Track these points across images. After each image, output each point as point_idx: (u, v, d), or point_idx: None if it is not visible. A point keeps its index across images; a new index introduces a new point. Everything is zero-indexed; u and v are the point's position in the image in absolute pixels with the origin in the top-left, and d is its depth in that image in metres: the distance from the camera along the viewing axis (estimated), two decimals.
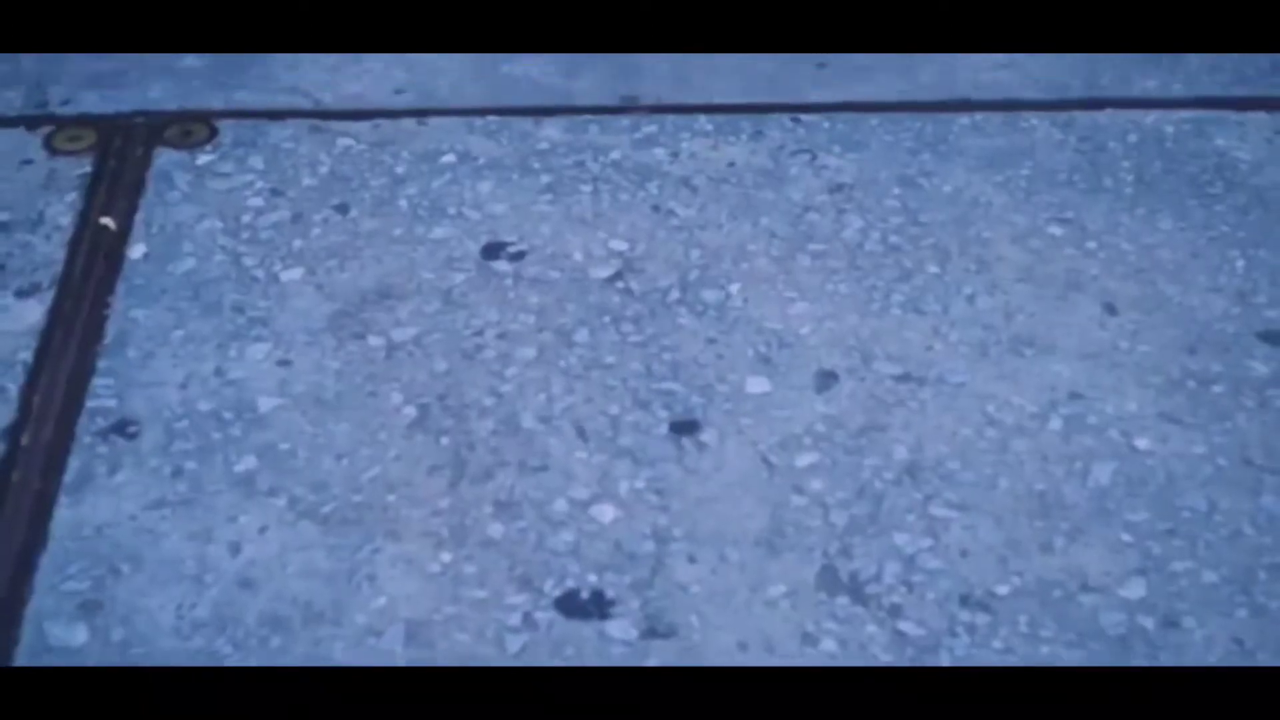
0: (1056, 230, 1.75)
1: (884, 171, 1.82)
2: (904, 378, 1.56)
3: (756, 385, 1.54)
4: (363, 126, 1.86)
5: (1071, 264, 1.70)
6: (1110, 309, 1.64)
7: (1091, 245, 1.73)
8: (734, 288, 1.65)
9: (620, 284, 1.66)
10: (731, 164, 1.83)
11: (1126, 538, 1.41)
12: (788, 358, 1.57)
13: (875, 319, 1.62)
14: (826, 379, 1.55)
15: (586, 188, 1.78)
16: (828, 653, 1.30)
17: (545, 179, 1.79)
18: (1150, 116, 1.93)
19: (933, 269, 1.69)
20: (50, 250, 1.68)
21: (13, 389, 1.51)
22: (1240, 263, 1.71)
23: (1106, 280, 1.68)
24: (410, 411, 1.50)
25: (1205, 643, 1.32)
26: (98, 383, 1.52)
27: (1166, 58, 2.04)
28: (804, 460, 1.47)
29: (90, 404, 1.50)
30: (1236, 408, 1.54)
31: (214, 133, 1.84)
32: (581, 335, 1.59)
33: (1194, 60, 2.04)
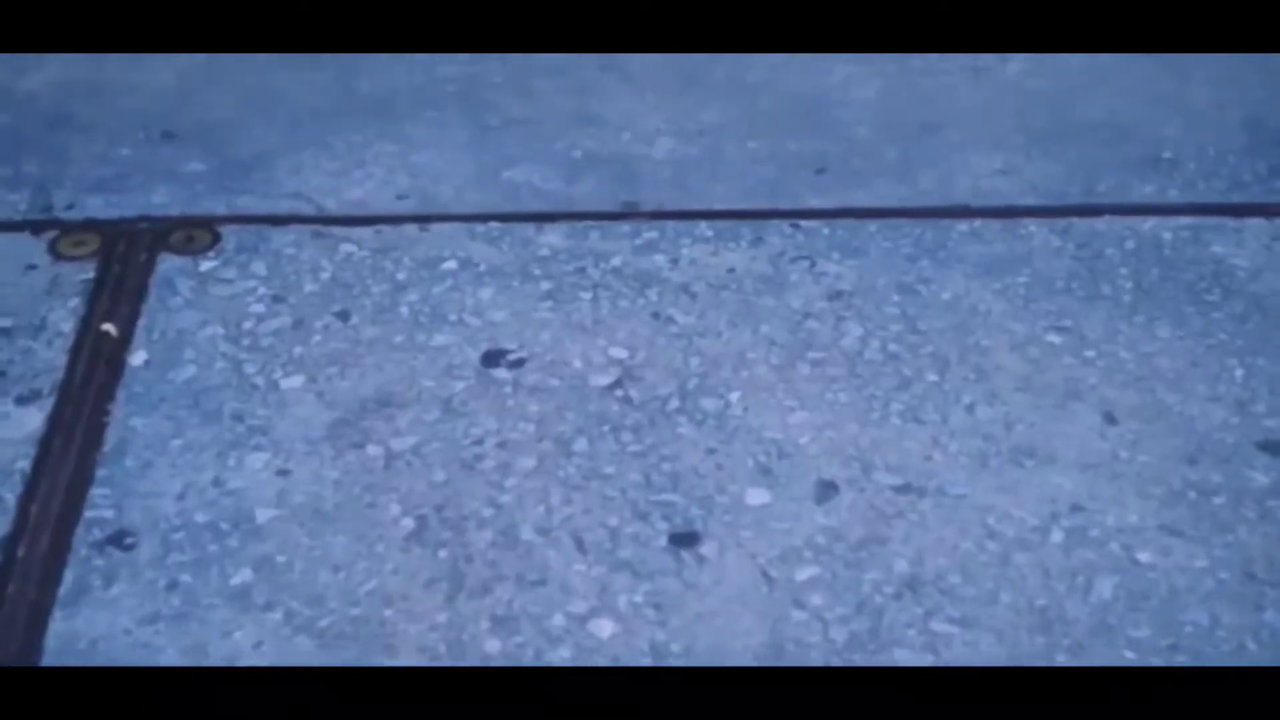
0: (1055, 338, 1.75)
1: (883, 278, 1.83)
2: (904, 489, 1.55)
3: (756, 496, 1.53)
4: (365, 232, 1.88)
5: (1070, 373, 1.70)
6: (1110, 418, 1.64)
7: (1090, 354, 1.73)
8: (734, 396, 1.65)
9: (620, 392, 1.66)
10: (731, 270, 1.84)
11: (1129, 655, 1.39)
12: (787, 468, 1.57)
13: (875, 428, 1.62)
14: (826, 490, 1.55)
15: (587, 294, 1.79)
16: None
17: (546, 285, 1.80)
18: (1148, 223, 1.95)
19: (932, 377, 1.69)
20: (52, 356, 1.68)
21: (10, 499, 1.51)
22: (1239, 371, 1.72)
23: (1106, 389, 1.68)
24: (408, 523, 1.50)
25: None
26: (96, 492, 1.52)
27: (1164, 163, 2.06)
28: (804, 574, 1.46)
29: (88, 514, 1.50)
30: (1238, 520, 1.53)
31: (217, 238, 1.85)
32: (581, 444, 1.59)
33: (1191, 165, 2.05)
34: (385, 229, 1.88)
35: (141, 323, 1.72)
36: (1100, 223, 1.95)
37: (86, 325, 1.72)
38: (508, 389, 1.65)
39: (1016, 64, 2.26)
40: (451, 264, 1.83)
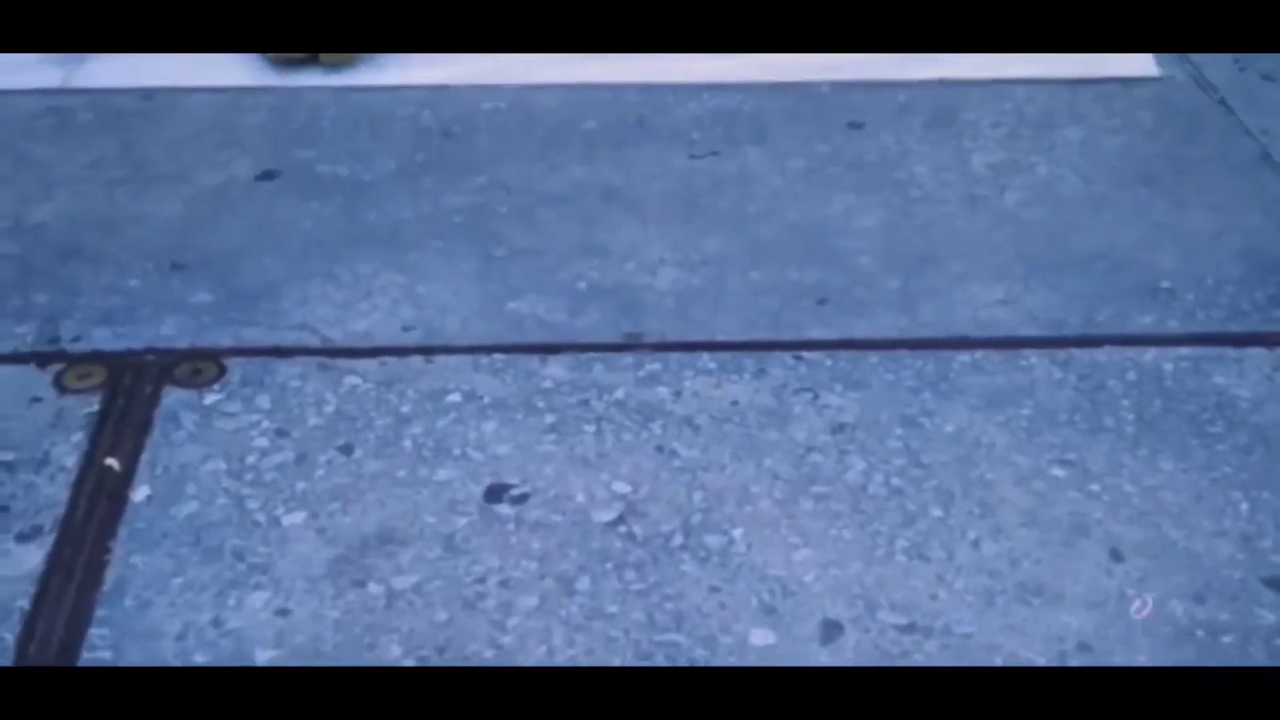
0: (1059, 472, 1.75)
1: (886, 411, 1.83)
2: (909, 628, 1.54)
3: (760, 637, 1.52)
4: (370, 364, 1.88)
5: (1075, 507, 1.70)
6: (1116, 555, 1.63)
7: (1095, 488, 1.73)
8: (737, 533, 1.65)
9: (623, 528, 1.65)
10: (734, 403, 1.84)
11: None
12: (792, 607, 1.56)
13: (879, 566, 1.61)
14: (831, 630, 1.53)
15: (590, 428, 1.79)
16: None
17: (549, 419, 1.80)
18: (1149, 354, 1.95)
19: (936, 513, 1.68)
20: (54, 492, 1.68)
21: (9, 639, 1.50)
22: (1244, 505, 1.71)
23: (1111, 524, 1.68)
24: (409, 665, 1.48)
25: None
26: (94, 633, 1.50)
27: (1162, 293, 2.07)
28: None
29: (86, 655, 1.48)
30: (1246, 659, 1.51)
31: (223, 371, 1.86)
32: (583, 583, 1.58)
33: (1189, 295, 2.07)
34: (390, 361, 1.89)
35: (145, 457, 1.73)
36: (1101, 353, 1.95)
37: (90, 460, 1.72)
38: (510, 525, 1.65)
39: (1014, 194, 2.29)
40: (456, 397, 1.83)
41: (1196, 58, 2.68)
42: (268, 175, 2.28)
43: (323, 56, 2.53)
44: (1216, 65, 2.66)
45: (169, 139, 2.36)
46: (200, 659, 1.48)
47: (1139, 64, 2.65)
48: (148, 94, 2.48)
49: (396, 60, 2.56)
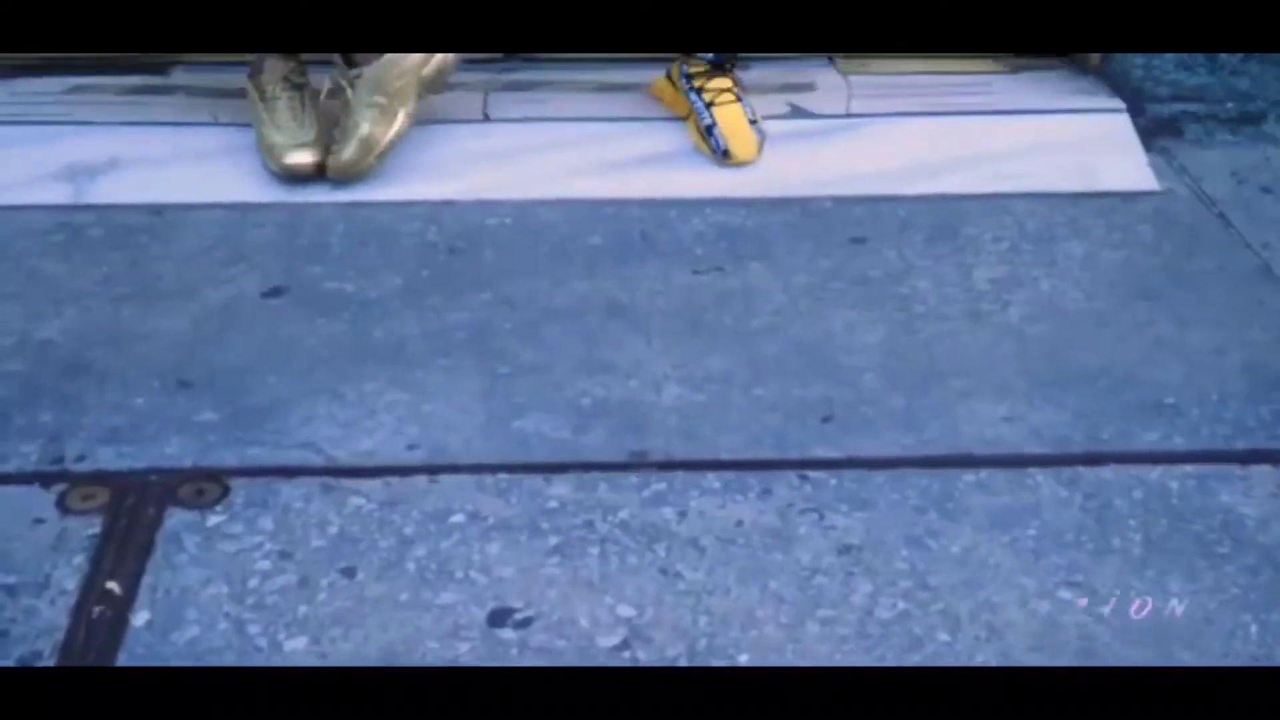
0: (1067, 594, 1.73)
1: (891, 532, 1.82)
2: None
3: None
4: (374, 484, 1.88)
5: (1084, 631, 1.68)
6: None
7: (1103, 610, 1.71)
8: (743, 658, 1.63)
9: (627, 653, 1.64)
10: (739, 523, 1.83)
11: None
12: None
13: None
14: None
15: (594, 549, 1.78)
16: None
17: (554, 540, 1.80)
18: (1154, 472, 1.95)
19: (943, 637, 1.67)
20: (54, 616, 1.67)
21: None
22: (1254, 628, 1.69)
23: (1119, 647, 1.66)
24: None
25: None
26: None
27: (1167, 409, 2.07)
28: None
29: None
30: None
31: (226, 491, 1.86)
32: None
33: (1194, 411, 2.07)
34: (394, 481, 1.89)
35: (146, 580, 1.72)
36: (1106, 471, 1.95)
37: (91, 583, 1.71)
38: (514, 650, 1.63)
39: (1016, 309, 2.30)
40: (459, 517, 1.83)
41: (1196, 171, 2.71)
42: (275, 291, 2.30)
43: (330, 171, 2.56)
44: (1216, 179, 2.69)
45: (177, 255, 2.38)
46: None
47: (1138, 177, 2.68)
48: (157, 210, 2.51)
49: (403, 175, 2.59)
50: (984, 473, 1.93)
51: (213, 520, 1.81)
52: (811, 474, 1.92)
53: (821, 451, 1.97)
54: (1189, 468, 1.96)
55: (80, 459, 1.93)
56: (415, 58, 2.52)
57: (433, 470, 1.91)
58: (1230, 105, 2.81)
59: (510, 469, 1.92)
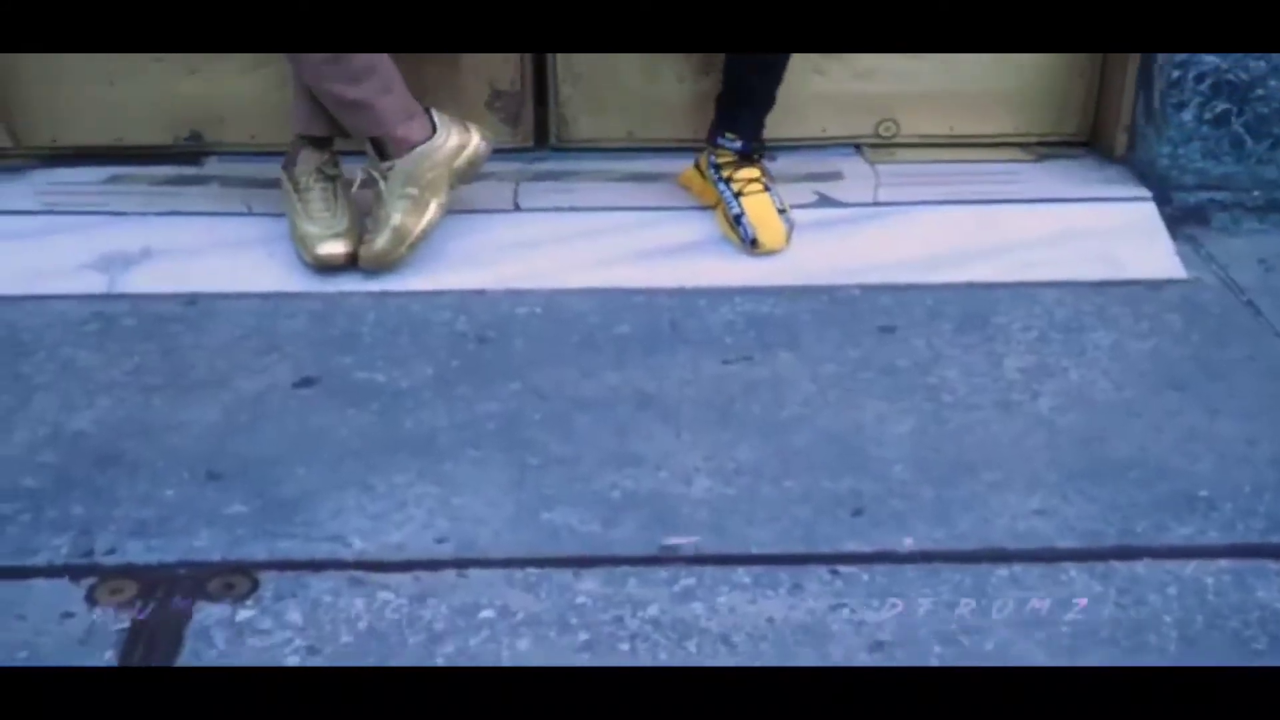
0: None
1: (924, 628, 1.81)
2: None
3: None
4: (404, 578, 1.88)
5: None
6: None
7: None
8: None
9: None
10: (770, 620, 1.82)
11: None
12: None
13: None
14: None
15: (624, 646, 1.77)
16: None
17: (583, 636, 1.79)
18: (1189, 567, 1.93)
19: None
20: None
21: None
22: None
23: None
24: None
25: None
26: None
27: (1200, 502, 2.05)
28: None
29: None
30: None
31: (255, 585, 1.85)
32: None
33: (1228, 505, 2.05)
34: (424, 575, 1.89)
35: None
36: (1140, 566, 1.93)
37: None
38: None
39: (1046, 399, 2.29)
40: (489, 613, 1.82)
41: (1223, 258, 2.71)
42: (306, 382, 2.31)
43: (362, 261, 2.58)
44: (1244, 267, 2.69)
45: (210, 345, 2.40)
46: None
47: (1166, 265, 2.68)
48: (190, 299, 2.53)
49: (434, 264, 2.61)
50: (1016, 567, 1.92)
51: (242, 615, 1.81)
52: (842, 568, 1.91)
53: (852, 545, 1.96)
54: (1223, 562, 1.94)
55: (110, 552, 1.93)
56: (447, 150, 2.55)
57: (462, 564, 1.91)
58: (1257, 193, 2.82)
59: (539, 563, 1.91)
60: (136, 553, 1.93)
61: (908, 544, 1.95)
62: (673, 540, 1.94)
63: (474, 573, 1.89)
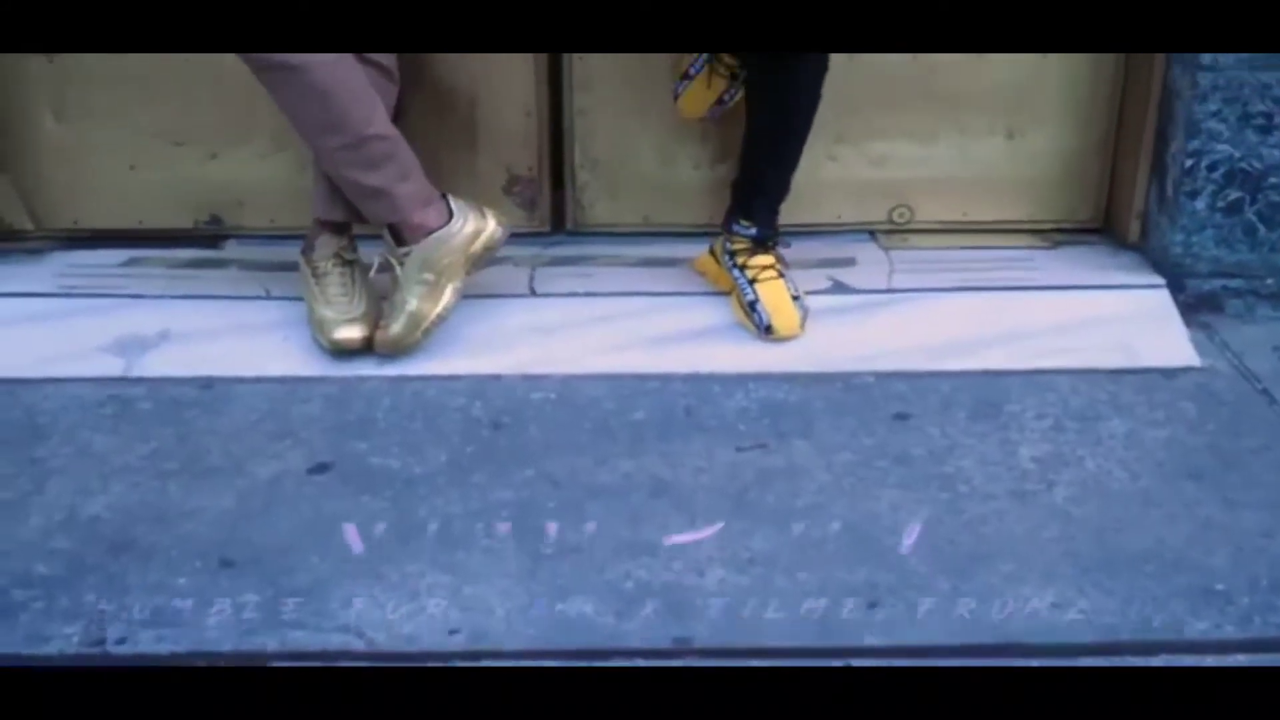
0: None
1: None
2: None
3: None
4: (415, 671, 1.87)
5: None
6: None
7: None
8: None
9: None
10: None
11: None
12: None
13: None
14: None
15: None
16: None
17: None
18: (1205, 661, 1.91)
19: None
20: None
21: None
22: None
23: None
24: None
25: None
26: None
27: (1217, 596, 2.04)
28: None
29: None
30: None
31: None
32: None
33: (1244, 599, 2.03)
34: (434, 666, 1.88)
35: None
36: (1157, 661, 1.91)
37: None
38: None
39: (1061, 489, 2.28)
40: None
41: (1238, 346, 2.71)
42: (320, 468, 2.31)
43: (378, 345, 2.60)
44: (1258, 355, 2.69)
45: (225, 429, 2.41)
46: None
47: (1180, 353, 2.68)
48: (207, 383, 2.54)
49: (449, 349, 2.62)
50: (1033, 663, 1.90)
51: None
52: (855, 663, 1.89)
53: (868, 638, 1.95)
54: (1241, 657, 1.92)
55: (121, 641, 1.92)
56: (463, 236, 2.58)
57: (474, 655, 1.90)
58: (1270, 281, 2.82)
59: (553, 655, 1.90)
60: (148, 642, 1.92)
61: (922, 638, 1.94)
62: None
63: (486, 664, 1.88)
